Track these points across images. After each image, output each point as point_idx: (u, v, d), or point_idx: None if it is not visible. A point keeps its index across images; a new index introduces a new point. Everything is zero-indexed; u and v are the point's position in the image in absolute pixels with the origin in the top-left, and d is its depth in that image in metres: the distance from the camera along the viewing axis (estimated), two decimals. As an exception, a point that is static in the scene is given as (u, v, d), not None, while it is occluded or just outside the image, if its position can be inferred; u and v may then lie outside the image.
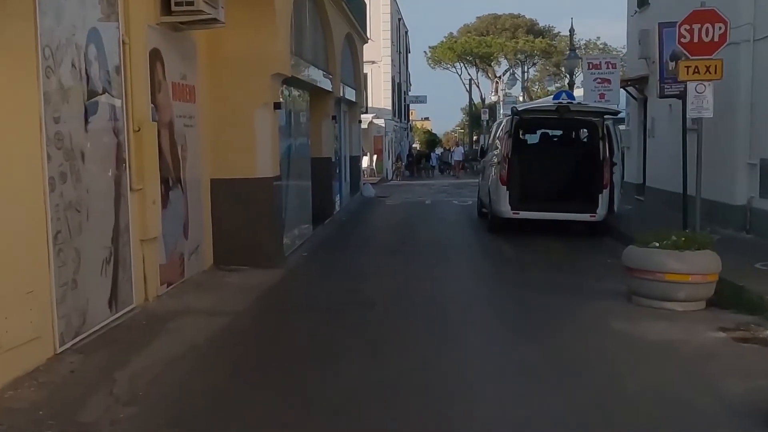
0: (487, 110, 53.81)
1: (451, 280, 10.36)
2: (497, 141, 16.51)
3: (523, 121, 14.74)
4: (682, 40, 10.70)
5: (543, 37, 70.64)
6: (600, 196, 14.31)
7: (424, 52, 75.31)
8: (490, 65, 72.28)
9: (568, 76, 23.15)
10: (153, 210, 8.66)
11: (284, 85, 13.09)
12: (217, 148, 11.13)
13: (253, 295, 9.39)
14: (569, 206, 14.55)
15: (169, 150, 9.47)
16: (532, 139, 16.70)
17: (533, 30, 72.20)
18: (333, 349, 7.03)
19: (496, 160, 15.41)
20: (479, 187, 18.43)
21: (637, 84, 19.71)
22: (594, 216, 14.35)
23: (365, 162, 36.38)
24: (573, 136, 15.88)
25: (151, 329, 7.57)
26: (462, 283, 10.24)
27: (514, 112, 14.57)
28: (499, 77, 59.39)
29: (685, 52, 10.77)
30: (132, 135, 8.22)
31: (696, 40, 10.64)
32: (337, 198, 20.87)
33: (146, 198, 8.49)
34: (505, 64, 69.48)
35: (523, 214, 14.46)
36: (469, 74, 71.70)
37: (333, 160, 18.79)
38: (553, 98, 22.72)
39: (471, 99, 69.75)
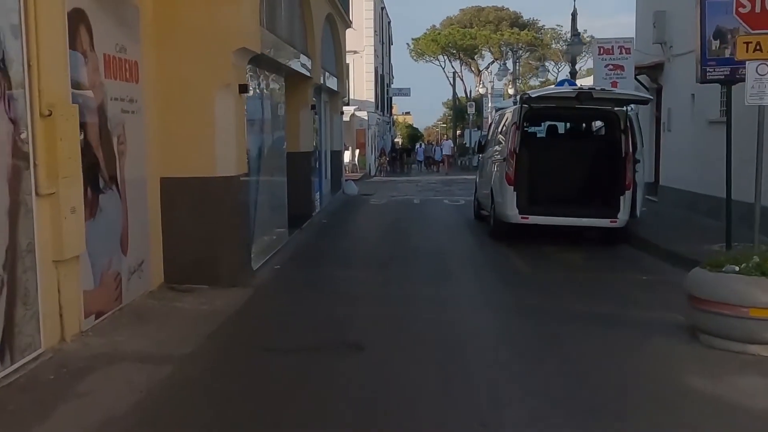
0: (473, 104, 51.86)
1: (458, 308, 8.28)
2: (499, 134, 14.49)
3: (533, 110, 12.70)
4: (741, 10, 8.74)
5: (528, 30, 69.14)
6: (622, 198, 12.34)
7: (407, 44, 74.02)
8: (473, 59, 71.05)
9: (570, 65, 21.19)
10: (72, 221, 6.52)
11: (254, 66, 10.99)
12: (168, 140, 9.01)
13: (208, 329, 7.29)
14: (586, 210, 12.58)
15: (98, 142, 7.33)
16: (542, 131, 14.66)
17: (517, 23, 70.98)
18: (306, 421, 4.97)
19: (499, 156, 13.38)
20: (476, 186, 16.41)
21: (649, 72, 17.75)
22: (615, 222, 12.36)
23: (347, 157, 34.27)
24: (590, 128, 13.86)
25: (58, 390, 5.46)
26: (473, 313, 8.14)
27: (523, 100, 12.51)
28: (487, 68, 57.50)
29: (744, 24, 8.78)
30: (38, 121, 6.09)
31: (758, 10, 8.68)
32: (317, 197, 18.76)
33: (61, 205, 6.35)
34: (489, 57, 68.19)
35: (533, 219, 12.45)
36: (453, 67, 70.11)
37: (312, 155, 16.68)
38: (557, 85, 20.75)
39: (455, 92, 68.00)
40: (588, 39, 72.09)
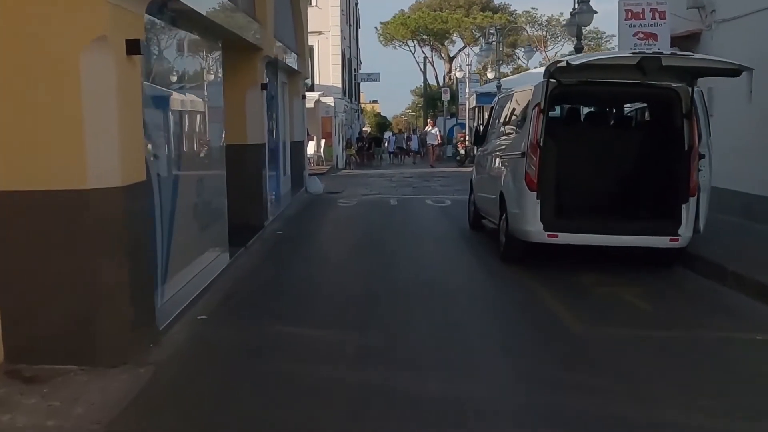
0: (447, 89, 48.33)
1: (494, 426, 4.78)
2: (506, 122, 11.04)
3: (563, 87, 9.22)
4: None
5: (501, 14, 66.19)
6: (684, 207, 8.97)
7: (375, 28, 70.53)
8: (444, 44, 68.29)
9: (575, 39, 17.77)
10: None
11: (166, 21, 7.46)
12: (3, 132, 5.44)
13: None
14: (636, 225, 9.20)
15: None
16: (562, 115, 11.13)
17: (489, 7, 68.16)
18: None
19: (512, 150, 9.93)
20: (473, 186, 12.96)
21: (681, 43, 14.38)
22: (676, 240, 8.98)
23: (311, 148, 30.61)
24: (640, 112, 10.40)
25: None
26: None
27: (551, 72, 8.99)
28: (457, 54, 54.15)
29: None
30: None
31: None
32: (272, 200, 15.19)
33: None
34: (459, 43, 65.23)
35: (565, 238, 9.03)
36: (423, 53, 67.01)
37: (263, 148, 13.08)
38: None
39: (426, 79, 64.74)
40: (565, 22, 69.72)
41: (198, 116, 9.26)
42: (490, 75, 38.00)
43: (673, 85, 9.16)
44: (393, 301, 7.87)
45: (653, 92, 9.44)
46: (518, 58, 64.66)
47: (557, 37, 66.95)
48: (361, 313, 7.40)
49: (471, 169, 29.32)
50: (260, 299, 8.08)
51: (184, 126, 8.49)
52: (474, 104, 32.59)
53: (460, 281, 8.97)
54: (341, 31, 39.91)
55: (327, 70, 37.98)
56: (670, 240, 8.97)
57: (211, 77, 10.01)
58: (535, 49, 62.85)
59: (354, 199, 18.84)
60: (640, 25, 13.52)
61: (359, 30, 58.55)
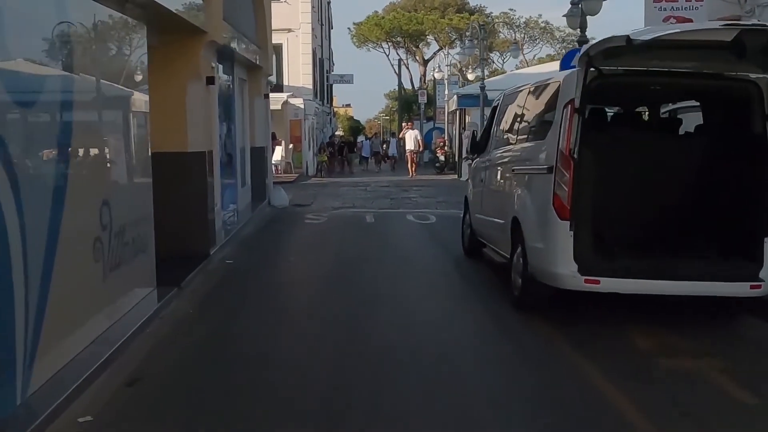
0: (424, 92, 45.91)
1: None
2: (521, 125, 8.63)
3: (607, 79, 6.79)
4: None
5: (478, 15, 64.21)
6: (767, 242, 6.60)
7: (349, 29, 68.18)
8: (418, 47, 66.31)
9: (580, 30, 15.47)
10: None
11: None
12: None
13: None
14: (704, 266, 6.76)
15: None
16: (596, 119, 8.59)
17: (464, 9, 66.30)
18: None
19: (532, 163, 7.49)
20: (469, 205, 10.55)
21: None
22: (758, 287, 6.59)
23: (278, 154, 28.04)
24: (709, 114, 7.93)
25: None
26: None
27: (591, 55, 6.50)
28: (443, 49, 51.89)
29: None
30: None
31: None
32: (226, 216, 12.66)
33: None
34: (434, 46, 63.15)
35: (609, 285, 6.57)
36: (398, 55, 64.90)
37: (210, 156, 10.51)
38: (563, 61, 15.00)
39: (401, 82, 62.35)
40: (543, 24, 67.70)
41: (116, 116, 6.76)
42: (470, 76, 35.70)
43: (752, 76, 6.79)
44: (374, 389, 5.34)
45: (725, 86, 7.05)
46: (493, 62, 62.74)
47: (535, 40, 65.34)
48: (338, 410, 4.91)
49: (451, 177, 27.11)
50: (178, 388, 5.50)
51: (79, 128, 5.95)
52: (455, 107, 30.16)
53: (467, 348, 6.42)
54: (312, 29, 37.38)
55: (297, 69, 35.42)
56: (751, 287, 6.59)
57: (132, 65, 7.51)
58: (507, 54, 61.11)
59: (324, 215, 16.30)
60: (672, 8, 11.18)
61: (331, 30, 56.23)
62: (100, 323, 6.27)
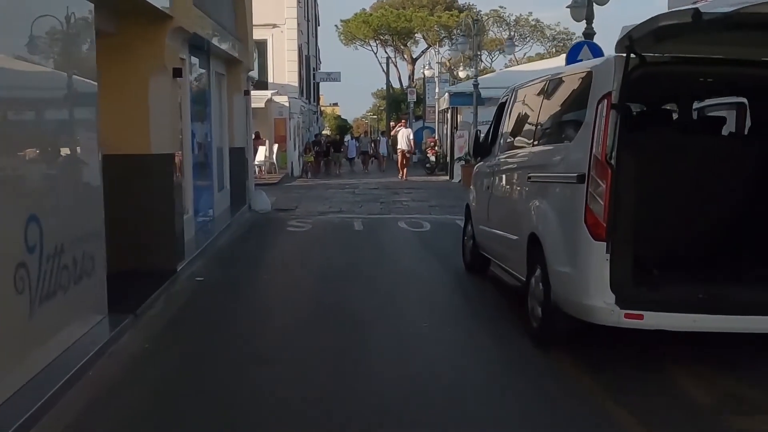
0: (413, 90, 44.64)
1: None
2: (537, 125, 7.40)
3: (651, 68, 5.58)
4: None
5: (468, 13, 63.22)
6: None
7: (336, 26, 66.98)
8: (406, 45, 65.34)
9: (586, 21, 14.32)
10: None
11: None
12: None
13: None
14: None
15: None
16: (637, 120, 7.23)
17: (453, 7, 65.35)
18: None
19: (556, 169, 6.26)
20: (472, 215, 9.34)
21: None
22: (836, 322, 5.40)
23: (262, 154, 26.74)
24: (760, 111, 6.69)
25: None
26: None
27: (635, 37, 5.24)
28: (432, 47, 50.68)
29: None
30: None
31: None
32: (199, 225, 11.42)
33: None
34: (422, 45, 62.12)
35: (654, 320, 5.35)
36: (386, 53, 63.86)
37: (172, 159, 9.19)
38: (569, 55, 13.82)
39: (389, 80, 61.24)
40: (533, 22, 66.64)
41: (30, 107, 5.48)
42: (462, 74, 34.47)
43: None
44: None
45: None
46: (482, 60, 61.76)
47: (525, 38, 64.63)
48: None
49: (443, 178, 25.81)
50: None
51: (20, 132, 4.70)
52: (446, 105, 28.91)
53: (482, 405, 5.20)
54: (298, 25, 36.02)
55: (282, 66, 34.07)
56: (828, 322, 5.40)
57: (86, 57, 6.26)
58: (497, 53, 60.15)
59: (309, 221, 15.04)
60: (701, -7, 10.00)
61: (318, 27, 54.98)
62: (26, 370, 5.02)
